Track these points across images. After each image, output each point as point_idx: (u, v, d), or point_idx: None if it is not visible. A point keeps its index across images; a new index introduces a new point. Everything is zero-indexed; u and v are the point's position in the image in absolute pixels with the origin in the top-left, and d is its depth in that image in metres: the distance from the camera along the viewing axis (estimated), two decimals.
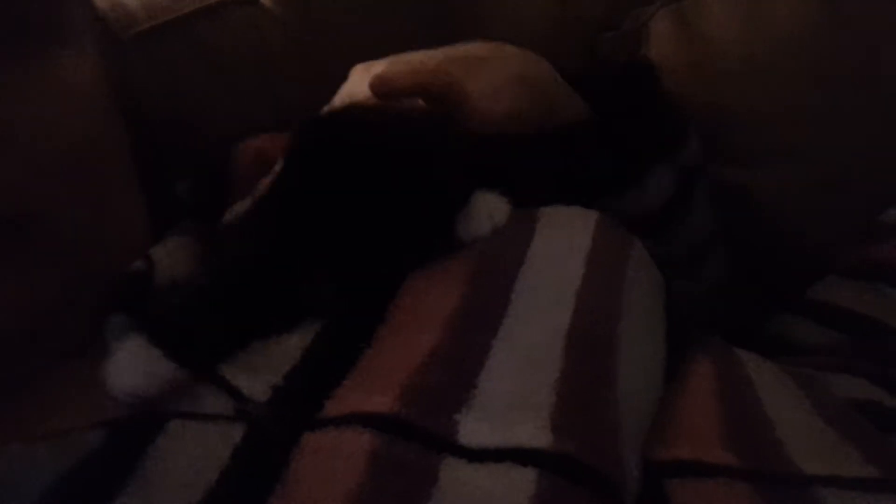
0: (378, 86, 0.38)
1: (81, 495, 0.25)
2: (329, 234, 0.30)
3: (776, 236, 0.55)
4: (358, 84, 0.42)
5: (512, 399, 0.26)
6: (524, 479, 0.23)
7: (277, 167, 0.34)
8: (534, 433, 0.25)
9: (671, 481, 0.26)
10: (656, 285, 0.35)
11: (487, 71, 0.41)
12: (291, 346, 0.29)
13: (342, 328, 0.29)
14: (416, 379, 0.26)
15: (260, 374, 0.28)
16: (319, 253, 0.30)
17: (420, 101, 0.40)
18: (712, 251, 0.52)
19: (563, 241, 0.33)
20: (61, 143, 0.31)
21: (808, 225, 0.55)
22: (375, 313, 0.30)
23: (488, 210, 0.34)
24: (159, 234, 0.38)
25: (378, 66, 0.42)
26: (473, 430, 0.25)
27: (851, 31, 0.54)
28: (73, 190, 0.31)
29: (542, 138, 0.41)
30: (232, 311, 0.30)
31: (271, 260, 0.31)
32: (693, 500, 0.26)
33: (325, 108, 0.41)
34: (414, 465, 0.24)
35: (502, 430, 0.25)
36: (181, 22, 0.51)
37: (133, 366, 0.27)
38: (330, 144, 0.32)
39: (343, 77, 0.44)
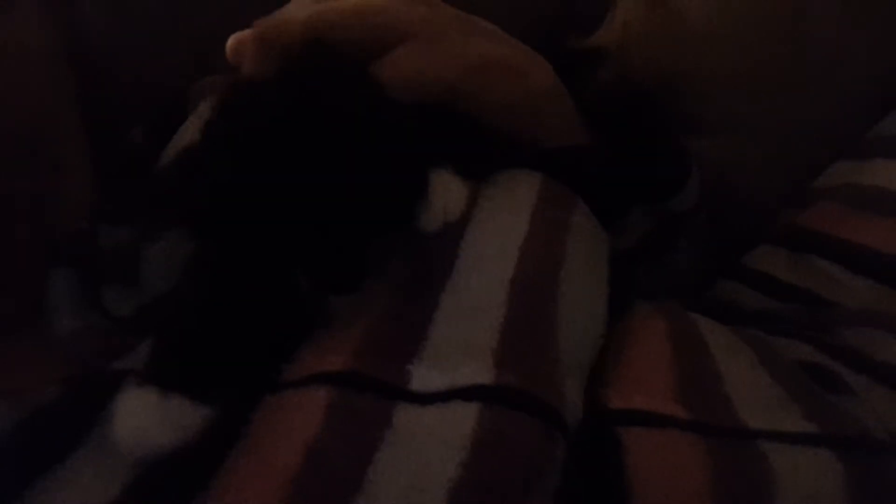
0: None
1: (35, 450, 0.25)
2: (288, 223, 0.27)
3: (722, 204, 0.57)
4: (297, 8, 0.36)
5: (458, 344, 0.27)
6: (468, 412, 0.25)
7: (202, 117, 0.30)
8: (477, 371, 0.26)
9: (625, 429, 0.27)
10: (599, 238, 0.37)
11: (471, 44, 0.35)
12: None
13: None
14: (368, 337, 0.27)
15: None
16: (284, 245, 0.28)
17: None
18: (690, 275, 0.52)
19: (508, 200, 0.34)
20: (6, 103, 0.30)
21: (751, 194, 0.56)
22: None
23: (442, 202, 0.31)
24: (113, 184, 0.37)
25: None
26: (424, 376, 0.26)
27: (807, 14, 0.55)
28: (20, 151, 0.31)
29: (533, 157, 0.37)
30: (249, 333, 0.27)
31: (242, 268, 0.27)
32: (644, 449, 0.27)
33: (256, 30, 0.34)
34: (369, 412, 0.25)
35: (450, 373, 0.26)
36: None
37: (158, 422, 0.24)
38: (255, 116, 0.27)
39: None
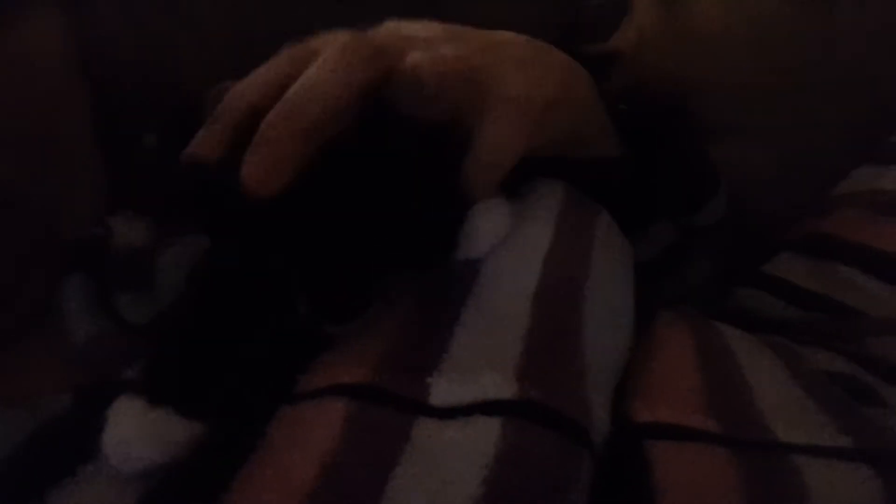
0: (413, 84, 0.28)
1: (46, 462, 0.24)
2: (301, 248, 0.26)
3: (737, 211, 0.57)
4: (387, 28, 0.32)
5: (480, 357, 0.27)
6: (490, 427, 0.24)
7: None
8: (500, 385, 0.25)
9: (652, 443, 0.27)
10: (623, 249, 0.36)
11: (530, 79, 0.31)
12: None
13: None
14: (389, 350, 0.27)
15: None
16: (292, 271, 0.27)
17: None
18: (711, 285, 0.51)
19: (531, 211, 0.33)
20: (22, 112, 0.30)
21: (767, 200, 0.56)
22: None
23: (491, 228, 0.30)
24: (125, 191, 0.36)
25: (415, 24, 0.32)
26: (444, 390, 0.26)
27: (821, 18, 0.55)
28: (34, 158, 0.31)
29: (565, 168, 0.36)
30: (238, 347, 0.26)
31: (245, 281, 0.27)
32: (672, 463, 0.26)
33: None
34: (387, 426, 0.24)
35: (471, 387, 0.26)
36: None
37: (145, 436, 0.24)
38: None
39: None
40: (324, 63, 0.27)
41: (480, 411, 0.25)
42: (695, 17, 0.57)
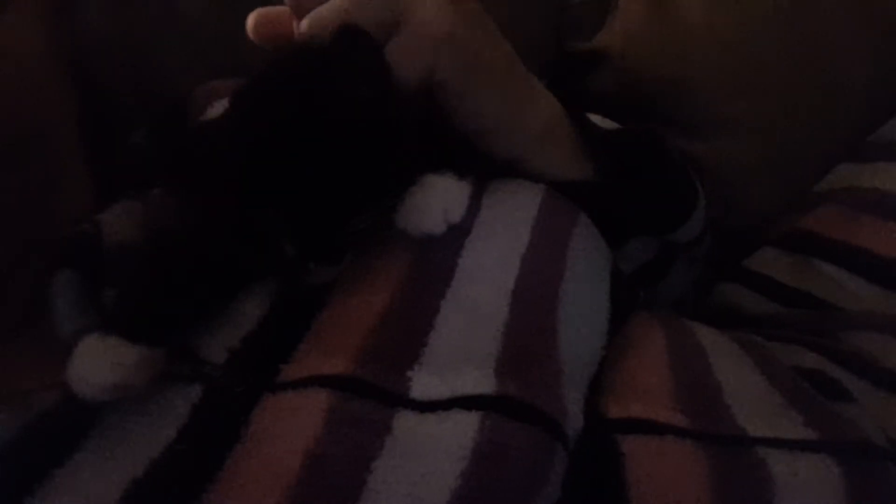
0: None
1: (37, 452, 0.25)
2: (281, 189, 0.28)
3: (721, 207, 0.57)
4: None
5: (459, 353, 0.27)
6: (468, 421, 0.25)
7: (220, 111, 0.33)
8: (479, 381, 0.26)
9: (624, 437, 0.27)
10: (600, 249, 0.36)
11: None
12: (248, 312, 0.29)
13: (298, 293, 0.30)
14: (369, 341, 0.27)
15: (216, 336, 0.28)
16: (277, 209, 0.29)
17: None
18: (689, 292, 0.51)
19: (510, 210, 0.34)
20: (6, 109, 0.30)
21: (751, 195, 0.56)
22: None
23: (443, 203, 0.31)
24: (111, 189, 0.37)
25: None
26: (425, 384, 0.26)
27: (810, 17, 0.55)
28: (19, 156, 0.31)
29: None
30: (183, 279, 0.29)
31: (226, 218, 0.29)
32: (643, 456, 0.27)
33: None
34: (369, 419, 0.25)
35: (451, 382, 0.26)
36: None
37: (97, 362, 0.25)
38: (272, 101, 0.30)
39: None
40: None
41: (459, 406, 0.25)
42: (680, 14, 0.57)
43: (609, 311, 0.33)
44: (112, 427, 0.25)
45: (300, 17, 0.33)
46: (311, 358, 0.27)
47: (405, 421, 0.25)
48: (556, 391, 0.27)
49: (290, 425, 0.25)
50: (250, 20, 0.34)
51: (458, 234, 0.31)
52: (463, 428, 0.25)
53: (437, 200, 0.30)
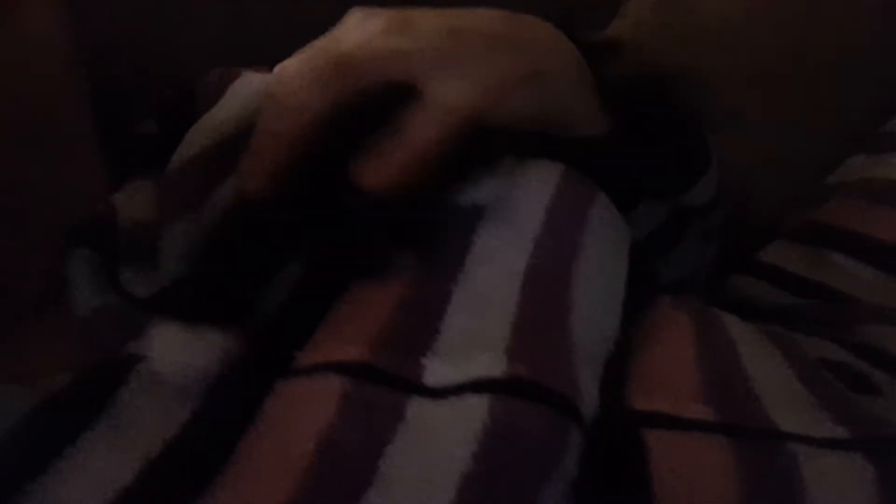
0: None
1: (50, 431, 0.25)
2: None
3: (732, 200, 0.57)
4: (351, 31, 0.34)
5: (471, 337, 0.27)
6: (479, 404, 0.25)
7: None
8: (490, 364, 0.26)
9: (650, 431, 0.27)
10: (619, 230, 0.36)
11: (492, 62, 0.32)
12: (269, 297, 0.29)
13: (316, 281, 0.30)
14: (384, 329, 0.27)
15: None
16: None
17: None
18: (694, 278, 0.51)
19: (524, 191, 0.33)
20: (22, 97, 0.30)
21: (765, 187, 0.56)
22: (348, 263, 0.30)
23: None
24: (121, 178, 0.37)
25: (377, 19, 0.33)
26: (438, 371, 0.26)
27: (823, 8, 0.55)
28: (34, 143, 0.31)
29: (545, 149, 0.35)
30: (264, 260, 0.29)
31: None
32: (670, 452, 0.26)
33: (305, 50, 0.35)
34: (382, 405, 0.25)
35: (462, 367, 0.26)
36: None
37: (184, 348, 0.26)
38: None
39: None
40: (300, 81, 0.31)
41: (470, 390, 0.25)
42: (691, 6, 0.57)
43: (626, 291, 0.33)
44: (125, 407, 0.25)
45: None
46: (327, 345, 0.27)
47: (418, 408, 0.25)
48: (568, 370, 0.27)
49: (303, 411, 0.25)
50: None
51: (472, 216, 0.31)
52: (473, 411, 0.25)
53: None
